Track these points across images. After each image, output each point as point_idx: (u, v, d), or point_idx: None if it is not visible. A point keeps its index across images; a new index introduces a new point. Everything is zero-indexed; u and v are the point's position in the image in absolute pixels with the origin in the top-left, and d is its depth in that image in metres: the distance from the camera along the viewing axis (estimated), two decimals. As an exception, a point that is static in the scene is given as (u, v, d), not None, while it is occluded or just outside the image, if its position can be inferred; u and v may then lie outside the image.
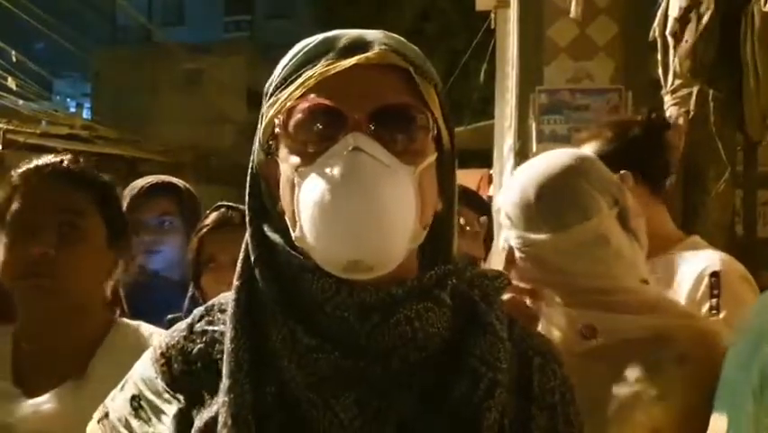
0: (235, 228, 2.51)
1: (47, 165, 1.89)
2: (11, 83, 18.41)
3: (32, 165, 1.89)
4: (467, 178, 10.81)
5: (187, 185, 3.22)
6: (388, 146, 1.10)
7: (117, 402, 1.28)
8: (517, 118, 5.32)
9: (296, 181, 1.12)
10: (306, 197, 1.09)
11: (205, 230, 2.66)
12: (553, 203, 1.91)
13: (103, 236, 1.89)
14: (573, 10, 4.83)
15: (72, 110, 34.22)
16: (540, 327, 1.91)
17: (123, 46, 34.81)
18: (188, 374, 1.21)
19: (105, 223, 1.89)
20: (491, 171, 9.99)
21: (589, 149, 2.62)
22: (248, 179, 1.25)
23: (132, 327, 1.99)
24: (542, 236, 1.90)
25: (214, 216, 2.67)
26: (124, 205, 2.95)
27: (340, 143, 1.08)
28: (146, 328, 1.98)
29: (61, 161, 1.90)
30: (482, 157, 10.42)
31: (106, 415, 1.29)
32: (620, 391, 1.82)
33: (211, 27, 36.56)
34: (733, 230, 3.65)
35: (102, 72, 32.36)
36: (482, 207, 3.29)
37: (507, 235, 2.00)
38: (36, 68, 21.26)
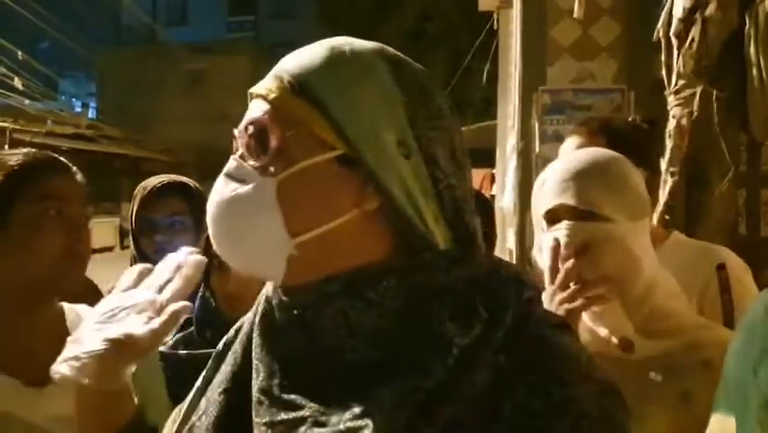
0: None
1: (63, 161, 1.94)
2: (17, 83, 18.48)
3: (58, 156, 1.95)
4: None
5: (197, 184, 3.22)
6: (250, 162, 1.12)
7: None
8: (520, 118, 5.32)
9: None
10: None
11: None
12: (616, 184, 1.91)
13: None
14: (576, 10, 4.84)
15: (78, 110, 34.25)
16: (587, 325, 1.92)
17: (128, 46, 34.90)
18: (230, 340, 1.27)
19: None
20: (494, 171, 10.00)
21: (574, 142, 2.63)
22: None
23: (74, 309, 2.01)
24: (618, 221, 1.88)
25: None
26: (135, 203, 2.96)
27: None
28: (82, 308, 2.00)
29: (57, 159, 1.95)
30: (485, 157, 10.42)
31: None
32: (647, 390, 1.83)
33: (214, 27, 36.63)
34: (736, 229, 3.64)
35: (106, 72, 32.44)
36: (484, 204, 3.29)
37: (555, 234, 1.92)
38: (42, 67, 21.33)
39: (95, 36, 30.69)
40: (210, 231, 1.13)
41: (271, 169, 1.10)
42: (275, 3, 36.83)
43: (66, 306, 2.00)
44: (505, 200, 5.87)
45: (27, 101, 20.11)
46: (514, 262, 5.37)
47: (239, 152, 1.13)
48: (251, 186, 1.11)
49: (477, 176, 11.07)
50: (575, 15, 4.87)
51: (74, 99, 41.13)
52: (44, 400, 1.74)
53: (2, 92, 18.67)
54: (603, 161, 1.94)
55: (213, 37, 34.26)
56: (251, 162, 1.11)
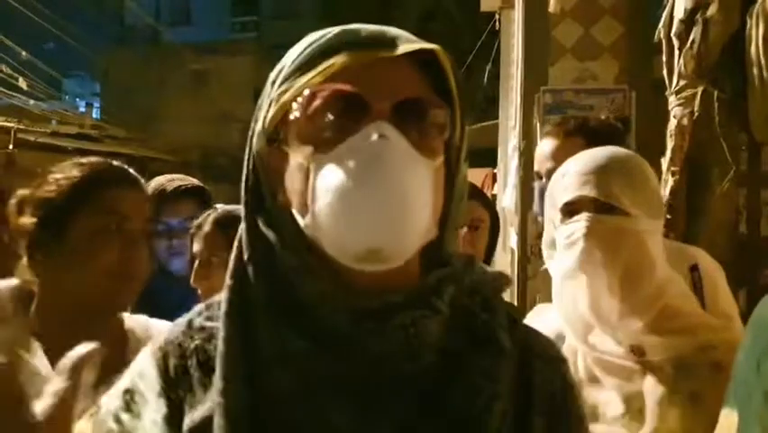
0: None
1: (127, 170, 1.95)
2: (21, 83, 18.48)
3: (117, 166, 1.94)
4: (472, 177, 10.78)
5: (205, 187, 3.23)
6: (409, 139, 1.07)
7: (111, 397, 1.24)
8: (522, 118, 5.33)
9: (311, 167, 1.08)
10: (325, 183, 1.06)
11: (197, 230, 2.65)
12: (636, 182, 1.92)
13: None
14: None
15: (82, 110, 34.23)
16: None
17: (131, 46, 34.81)
18: (183, 370, 1.17)
19: None
20: (495, 171, 9.99)
21: (551, 144, 2.65)
22: (244, 171, 1.20)
23: (140, 319, 2.03)
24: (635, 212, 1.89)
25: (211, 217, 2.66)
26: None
27: (364, 131, 1.06)
28: (152, 321, 2.02)
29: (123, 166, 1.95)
30: (487, 156, 10.40)
31: (99, 409, 1.24)
32: (656, 389, 1.84)
33: (218, 27, 36.56)
34: (737, 229, 3.66)
35: (110, 72, 32.41)
36: (489, 203, 3.30)
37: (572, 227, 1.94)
38: (46, 67, 21.33)
39: (98, 36, 30.75)
40: (379, 191, 1.04)
41: (428, 153, 1.11)
42: (278, 3, 36.75)
43: (136, 319, 2.03)
44: (506, 200, 5.87)
45: (31, 101, 20.09)
46: (516, 261, 5.37)
47: (392, 121, 1.08)
48: (421, 164, 1.09)
49: (479, 175, 11.05)
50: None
51: (78, 99, 41.10)
52: None
53: (6, 92, 18.67)
54: (624, 158, 1.96)
55: (216, 37, 34.19)
56: (414, 140, 1.09)
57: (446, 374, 1.11)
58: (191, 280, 2.60)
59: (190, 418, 1.12)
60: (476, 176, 10.98)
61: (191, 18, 38.12)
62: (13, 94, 18.99)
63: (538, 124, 4.91)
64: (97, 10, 31.73)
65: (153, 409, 1.16)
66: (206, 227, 2.59)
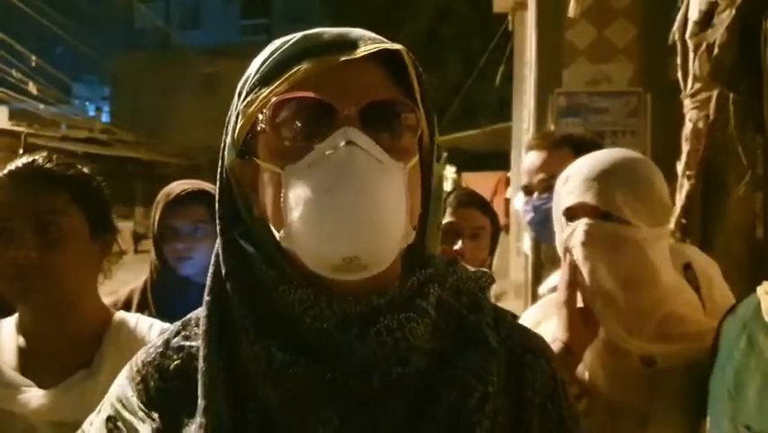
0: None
1: (19, 168, 1.90)
2: (31, 87, 18.56)
3: (5, 170, 1.90)
4: (485, 180, 10.83)
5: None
6: (378, 142, 1.05)
7: (94, 426, 1.23)
8: (536, 121, 5.32)
9: (282, 179, 1.06)
10: (297, 193, 1.04)
11: None
12: (640, 190, 1.89)
13: (86, 232, 1.89)
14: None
15: (91, 114, 34.39)
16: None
17: (141, 50, 35.01)
18: (164, 392, 1.16)
19: (86, 218, 1.90)
20: (509, 174, 10.00)
21: (539, 156, 2.64)
22: (217, 185, 1.18)
23: (132, 319, 2.02)
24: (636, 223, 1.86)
25: None
26: (158, 210, 2.95)
27: (331, 138, 1.03)
28: (145, 320, 2.00)
29: (33, 161, 1.91)
30: (500, 159, 10.43)
31: None
32: (665, 397, 1.82)
33: (228, 31, 36.74)
34: (753, 233, 3.62)
35: (120, 76, 32.57)
36: (488, 208, 3.27)
37: (576, 232, 1.91)
38: (56, 72, 21.42)
39: (108, 40, 30.88)
40: (350, 199, 1.02)
41: (399, 155, 1.08)
42: (288, 5, 36.92)
43: (126, 315, 2.03)
44: (519, 202, 5.85)
45: (41, 105, 20.18)
46: (529, 266, 5.35)
47: (360, 125, 1.06)
48: (392, 168, 1.06)
49: (491, 179, 11.08)
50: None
51: (87, 103, 41.29)
52: (49, 404, 1.77)
53: (16, 97, 18.75)
54: (631, 163, 1.92)
55: (226, 40, 34.35)
56: (383, 143, 1.06)
57: (436, 376, 1.10)
58: None
59: None
60: (489, 179, 11.01)
61: (201, 21, 38.30)
62: (24, 98, 19.07)
63: (552, 127, 4.89)
64: (107, 14, 31.88)
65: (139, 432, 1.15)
66: None
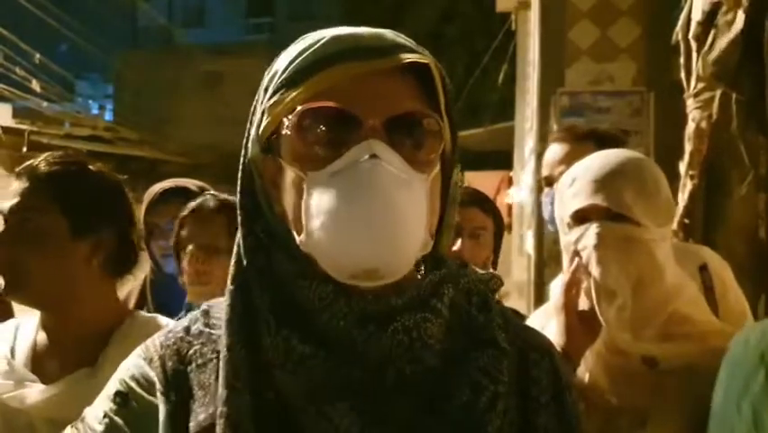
0: (207, 213, 2.56)
1: (24, 166, 1.94)
2: (35, 85, 18.54)
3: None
4: (487, 180, 10.81)
5: (205, 186, 3.23)
6: (402, 154, 1.07)
7: (96, 404, 1.24)
8: (539, 120, 5.32)
9: (305, 186, 1.08)
10: (319, 203, 1.06)
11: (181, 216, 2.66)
12: (644, 188, 1.88)
13: (63, 229, 1.90)
14: None
15: (94, 112, 34.37)
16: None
17: (144, 48, 34.98)
18: (182, 374, 1.17)
19: (66, 217, 1.90)
20: (511, 173, 9.99)
21: (562, 149, 2.64)
22: (239, 174, 1.20)
23: (147, 318, 2.04)
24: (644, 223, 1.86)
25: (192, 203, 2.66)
26: (143, 209, 2.98)
27: (355, 150, 1.05)
28: (162, 320, 2.01)
29: (36, 160, 1.95)
30: (502, 159, 10.41)
31: (82, 419, 1.24)
32: (666, 397, 1.82)
33: (231, 29, 36.68)
34: (756, 234, 3.61)
35: (123, 74, 32.49)
36: (491, 208, 3.26)
37: (582, 235, 1.91)
38: (59, 69, 21.41)
39: (112, 38, 30.80)
40: (372, 213, 1.04)
41: (421, 166, 1.11)
42: (293, 4, 36.85)
43: (143, 314, 2.08)
44: (523, 203, 5.85)
45: (45, 103, 20.16)
46: (532, 265, 5.35)
47: (384, 137, 1.07)
48: (414, 181, 1.08)
49: (494, 178, 11.06)
50: None
51: (91, 101, 41.26)
52: (47, 400, 1.80)
53: (20, 94, 18.74)
54: (637, 163, 1.93)
55: (230, 39, 34.28)
56: (406, 155, 1.09)
57: (448, 375, 1.12)
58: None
59: (195, 421, 1.12)
60: (491, 179, 10.99)
61: (205, 19, 38.25)
62: (27, 96, 19.06)
63: (555, 127, 4.89)
64: (111, 12, 31.88)
65: (153, 411, 1.16)
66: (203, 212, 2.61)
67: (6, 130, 16.82)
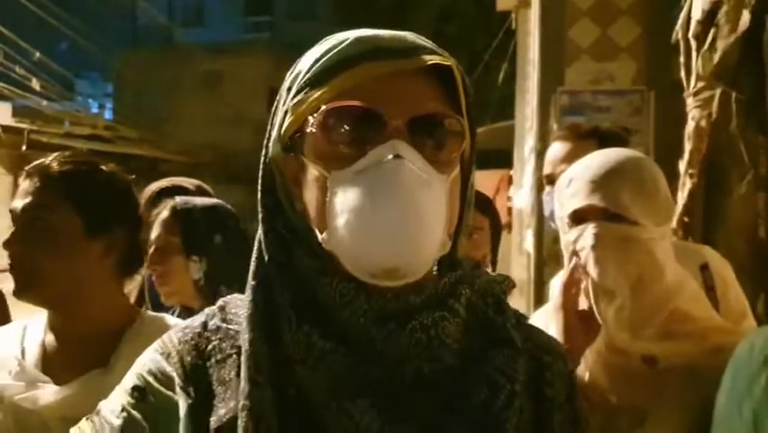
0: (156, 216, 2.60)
1: (34, 165, 1.95)
2: (34, 84, 18.55)
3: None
4: (487, 179, 10.80)
5: (202, 185, 3.24)
6: (424, 154, 1.09)
7: (113, 398, 1.24)
8: (539, 119, 5.31)
9: (328, 185, 1.09)
10: (342, 201, 1.08)
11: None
12: (643, 188, 1.88)
13: (78, 229, 1.90)
14: None
15: (94, 110, 34.38)
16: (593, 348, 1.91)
17: (144, 47, 34.99)
18: (201, 369, 1.17)
19: (79, 216, 1.90)
20: (511, 172, 9.98)
21: (564, 147, 2.64)
22: (260, 173, 1.21)
23: (156, 318, 2.03)
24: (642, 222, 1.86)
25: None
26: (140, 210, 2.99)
27: (379, 150, 1.07)
28: (170, 319, 2.01)
29: (48, 159, 1.95)
30: (502, 158, 10.39)
31: (98, 412, 1.25)
32: (667, 396, 1.82)
33: (231, 28, 36.72)
34: (755, 233, 3.61)
35: (123, 73, 32.50)
36: (488, 207, 3.26)
37: (581, 234, 1.91)
38: (59, 68, 21.41)
39: (111, 37, 30.78)
40: (395, 213, 1.05)
41: (442, 167, 1.12)
42: (292, 3, 36.88)
43: (152, 314, 2.08)
44: (523, 201, 5.86)
45: (44, 102, 20.16)
46: (532, 264, 5.35)
47: (407, 137, 1.09)
48: (435, 182, 1.10)
49: (494, 177, 11.05)
50: None
51: (90, 100, 41.25)
52: (61, 400, 1.80)
53: (19, 93, 18.74)
54: (635, 162, 1.92)
55: (229, 38, 34.32)
56: (428, 156, 1.10)
57: (466, 374, 1.14)
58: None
59: (216, 416, 1.12)
60: (491, 178, 10.98)
61: (204, 18, 38.28)
62: (27, 95, 19.06)
63: (555, 126, 4.89)
64: (110, 10, 31.87)
65: (172, 406, 1.16)
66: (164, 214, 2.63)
67: (6, 129, 16.84)
